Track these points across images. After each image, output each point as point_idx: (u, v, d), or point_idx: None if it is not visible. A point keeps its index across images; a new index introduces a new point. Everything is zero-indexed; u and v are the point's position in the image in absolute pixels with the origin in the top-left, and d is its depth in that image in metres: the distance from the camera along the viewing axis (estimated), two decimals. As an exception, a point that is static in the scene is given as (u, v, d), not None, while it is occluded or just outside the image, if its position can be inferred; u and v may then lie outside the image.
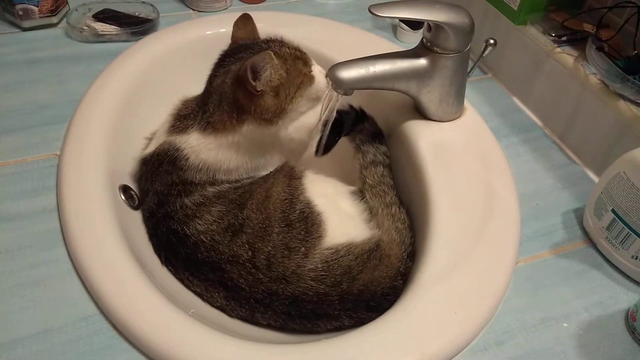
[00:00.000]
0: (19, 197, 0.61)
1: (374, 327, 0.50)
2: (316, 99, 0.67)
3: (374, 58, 0.64)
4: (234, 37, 0.70)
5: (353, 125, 0.71)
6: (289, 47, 0.65)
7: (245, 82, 0.59)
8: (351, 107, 0.72)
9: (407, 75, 0.66)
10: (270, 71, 0.60)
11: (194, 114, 0.65)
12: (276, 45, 0.65)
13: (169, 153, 0.64)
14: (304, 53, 0.66)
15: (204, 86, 0.66)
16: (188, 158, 0.63)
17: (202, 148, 0.63)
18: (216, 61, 0.66)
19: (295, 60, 0.64)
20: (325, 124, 0.69)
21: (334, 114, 0.69)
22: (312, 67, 0.66)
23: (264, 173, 0.67)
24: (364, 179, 0.70)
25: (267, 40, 0.66)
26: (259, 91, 0.60)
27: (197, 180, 0.62)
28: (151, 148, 0.67)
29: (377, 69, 0.64)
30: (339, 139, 0.72)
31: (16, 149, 0.67)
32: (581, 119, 0.72)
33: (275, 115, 0.63)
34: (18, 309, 0.51)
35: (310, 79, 0.65)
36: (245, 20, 0.70)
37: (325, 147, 0.71)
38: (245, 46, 0.66)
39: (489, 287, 0.55)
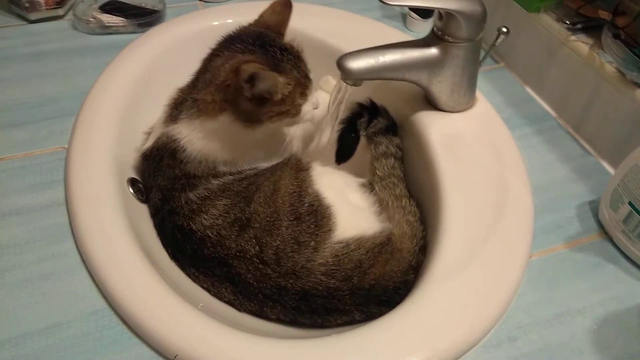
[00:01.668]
0: (27, 191, 0.61)
1: (384, 322, 0.50)
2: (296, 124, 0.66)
3: (384, 48, 0.63)
4: (262, 19, 0.66)
5: (368, 123, 0.70)
6: (299, 71, 0.62)
7: (239, 80, 0.57)
8: (361, 106, 0.70)
9: (418, 65, 0.64)
10: (268, 90, 0.58)
11: (186, 93, 0.63)
12: (290, 62, 0.61)
13: (167, 146, 0.62)
14: (310, 80, 0.63)
15: (202, 62, 0.63)
16: (185, 149, 0.62)
17: (193, 137, 0.62)
18: (224, 39, 0.63)
19: (297, 87, 0.61)
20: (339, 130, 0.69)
21: (343, 106, 0.68)
22: (309, 97, 0.63)
23: (266, 165, 0.65)
24: (373, 171, 0.69)
25: (286, 48, 0.62)
26: (246, 96, 0.58)
27: (199, 172, 0.61)
28: (150, 142, 0.66)
29: (386, 59, 0.63)
30: (357, 144, 0.70)
31: (24, 142, 0.66)
32: (596, 109, 0.71)
33: (251, 120, 0.61)
34: (27, 303, 0.51)
35: (298, 112, 0.63)
36: (284, 7, 0.66)
37: (347, 154, 0.70)
38: (262, 41, 0.61)
39: (502, 281, 0.54)
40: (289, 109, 0.62)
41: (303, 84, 0.62)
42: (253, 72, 0.56)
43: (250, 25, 0.66)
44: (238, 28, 0.65)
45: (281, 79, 0.59)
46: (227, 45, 0.62)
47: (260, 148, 0.67)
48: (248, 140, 0.64)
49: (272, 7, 0.66)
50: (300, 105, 0.63)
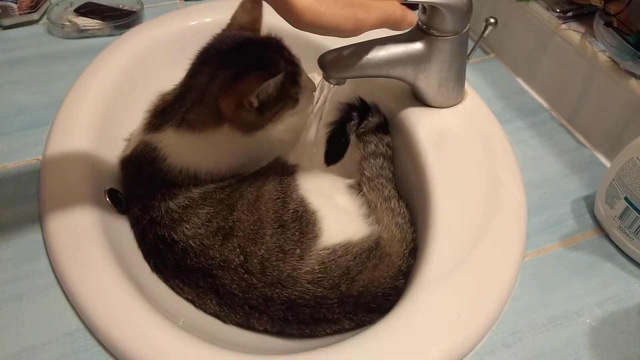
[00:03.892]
0: (0, 207, 0.59)
1: (372, 333, 0.47)
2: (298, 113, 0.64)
3: (366, 44, 0.60)
4: (234, 21, 0.63)
5: (358, 125, 0.67)
6: (285, 59, 0.60)
7: (244, 99, 0.56)
8: (351, 107, 0.67)
9: (403, 60, 0.62)
10: (271, 93, 0.57)
11: (170, 107, 0.61)
12: (272, 54, 0.59)
13: (146, 154, 0.60)
14: (298, 65, 0.61)
15: (184, 77, 0.61)
16: (166, 159, 0.59)
17: (178, 148, 0.59)
18: (200, 53, 0.61)
19: (286, 77, 0.58)
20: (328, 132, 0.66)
21: (327, 105, 0.66)
22: (301, 82, 0.61)
23: (251, 170, 0.63)
24: (362, 171, 0.67)
25: (264, 42, 0.60)
26: (252, 107, 0.57)
27: (179, 181, 0.59)
28: (129, 149, 0.63)
29: (370, 55, 0.60)
30: (346, 148, 0.68)
31: (-4, 155, 0.64)
32: (590, 100, 0.68)
33: (254, 128, 0.60)
34: (-1, 326, 0.49)
35: (295, 101, 0.61)
36: (253, 3, 0.63)
37: (336, 157, 0.67)
38: (239, 45, 0.59)
39: (495, 284, 0.52)
40: (286, 101, 0.60)
41: (291, 72, 0.60)
42: (262, 89, 0.55)
43: (224, 31, 0.63)
44: (212, 38, 0.62)
45: (278, 77, 0.56)
46: (205, 60, 0.60)
47: (250, 153, 0.64)
48: (242, 147, 0.62)
49: (242, 6, 0.63)
50: (296, 93, 0.61)
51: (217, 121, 0.58)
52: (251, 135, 0.61)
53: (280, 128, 0.65)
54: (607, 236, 0.58)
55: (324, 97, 0.66)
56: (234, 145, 0.61)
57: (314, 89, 0.64)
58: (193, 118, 0.59)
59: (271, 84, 0.56)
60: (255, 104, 0.57)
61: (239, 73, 0.56)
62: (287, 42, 0.62)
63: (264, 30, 0.63)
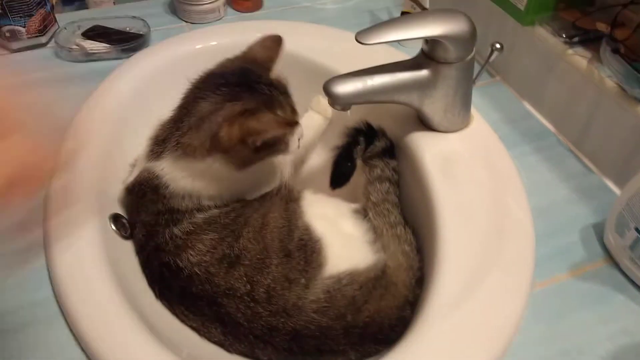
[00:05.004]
0: (5, 234, 0.58)
1: (379, 368, 0.47)
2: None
3: (372, 70, 0.60)
4: (250, 53, 0.64)
5: (365, 149, 0.67)
6: (283, 108, 0.60)
7: (252, 137, 0.56)
8: (357, 131, 0.67)
9: (408, 86, 0.62)
10: (273, 138, 0.58)
11: (168, 131, 0.61)
12: (278, 99, 0.60)
13: (150, 182, 0.60)
14: (296, 113, 0.62)
15: (183, 100, 0.61)
16: (168, 186, 0.59)
17: (177, 175, 0.59)
18: (205, 79, 0.61)
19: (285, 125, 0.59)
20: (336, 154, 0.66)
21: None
22: (295, 129, 0.60)
23: (254, 196, 0.63)
24: (367, 195, 0.66)
25: (272, 84, 0.60)
26: (255, 145, 0.57)
27: (183, 207, 0.59)
28: (133, 176, 0.63)
29: (375, 82, 0.60)
30: (353, 172, 0.67)
31: (2, 180, 0.64)
32: (597, 126, 0.68)
33: (244, 164, 0.59)
34: (1, 357, 0.48)
35: (287, 146, 0.61)
36: (274, 42, 0.64)
37: (342, 181, 0.67)
38: (248, 79, 0.59)
39: (504, 317, 0.51)
40: (278, 146, 0.60)
41: (287, 121, 0.60)
42: (271, 137, 0.56)
43: (236, 58, 0.63)
44: (220, 65, 0.62)
45: (297, 129, 0.58)
46: (210, 87, 0.59)
47: (249, 181, 0.64)
48: (236, 178, 0.61)
49: (262, 42, 0.64)
50: (289, 139, 0.61)
51: (209, 150, 0.57)
52: (239, 171, 0.60)
53: (269, 163, 0.65)
54: (617, 266, 0.57)
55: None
56: (231, 175, 0.60)
57: (302, 136, 0.63)
58: (186, 142, 0.58)
59: (282, 134, 0.57)
60: (258, 144, 0.56)
61: (249, 110, 0.56)
62: (297, 73, 0.63)
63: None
